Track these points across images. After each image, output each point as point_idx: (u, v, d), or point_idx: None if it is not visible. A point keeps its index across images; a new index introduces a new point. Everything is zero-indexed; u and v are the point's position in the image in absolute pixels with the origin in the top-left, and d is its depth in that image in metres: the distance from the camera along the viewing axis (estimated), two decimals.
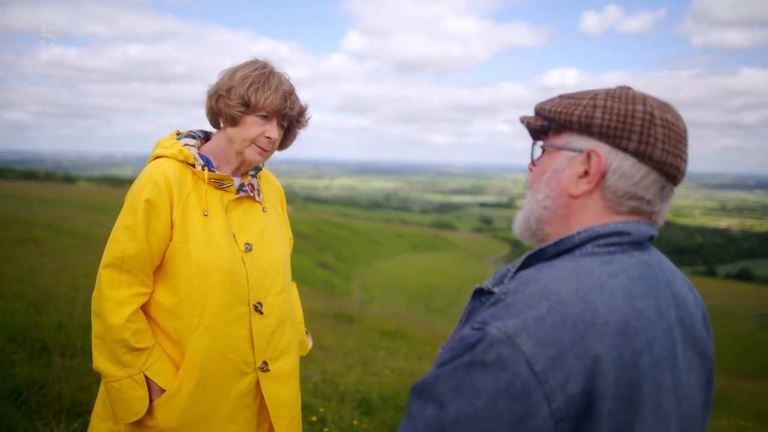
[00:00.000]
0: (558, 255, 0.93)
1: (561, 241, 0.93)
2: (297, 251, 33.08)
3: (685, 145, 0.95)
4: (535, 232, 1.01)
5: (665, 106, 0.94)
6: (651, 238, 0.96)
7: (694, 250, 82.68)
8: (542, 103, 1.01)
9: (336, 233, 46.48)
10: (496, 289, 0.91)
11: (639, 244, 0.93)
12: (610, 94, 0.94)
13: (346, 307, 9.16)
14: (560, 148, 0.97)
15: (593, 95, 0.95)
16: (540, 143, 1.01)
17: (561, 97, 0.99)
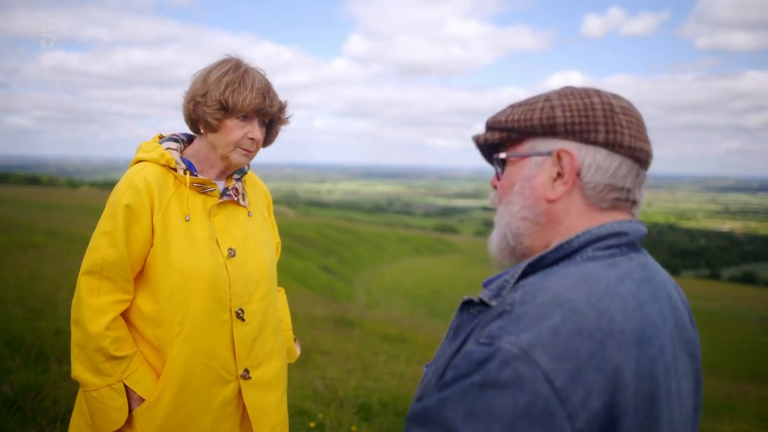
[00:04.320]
0: (557, 261, 0.88)
1: (560, 246, 0.88)
2: (300, 256, 33.09)
3: (645, 129, 0.93)
4: (514, 248, 0.96)
5: (617, 96, 0.93)
6: (642, 237, 0.93)
7: (698, 253, 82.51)
8: (495, 117, 0.98)
9: (339, 237, 46.43)
10: (494, 303, 0.86)
11: (633, 244, 0.90)
12: (562, 93, 0.92)
13: (347, 311, 9.12)
14: (526, 156, 0.93)
15: (545, 98, 0.93)
16: (502, 155, 0.96)
17: (512, 106, 0.97)
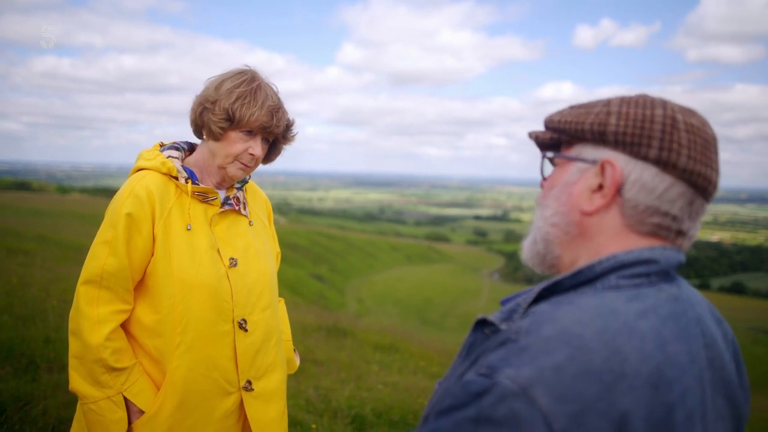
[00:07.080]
0: (576, 287, 0.82)
1: (580, 271, 0.81)
2: (291, 264, 32.98)
3: (715, 153, 0.85)
4: (544, 255, 0.91)
5: (689, 111, 0.85)
6: (679, 266, 0.85)
7: (688, 263, 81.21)
8: (551, 115, 0.92)
9: (330, 245, 46.34)
10: (503, 326, 0.80)
11: (666, 273, 0.83)
12: (626, 100, 0.85)
13: (339, 320, 9.08)
14: (571, 159, 0.88)
15: (606, 102, 0.86)
16: (549, 154, 0.92)
17: (572, 107, 0.91)
